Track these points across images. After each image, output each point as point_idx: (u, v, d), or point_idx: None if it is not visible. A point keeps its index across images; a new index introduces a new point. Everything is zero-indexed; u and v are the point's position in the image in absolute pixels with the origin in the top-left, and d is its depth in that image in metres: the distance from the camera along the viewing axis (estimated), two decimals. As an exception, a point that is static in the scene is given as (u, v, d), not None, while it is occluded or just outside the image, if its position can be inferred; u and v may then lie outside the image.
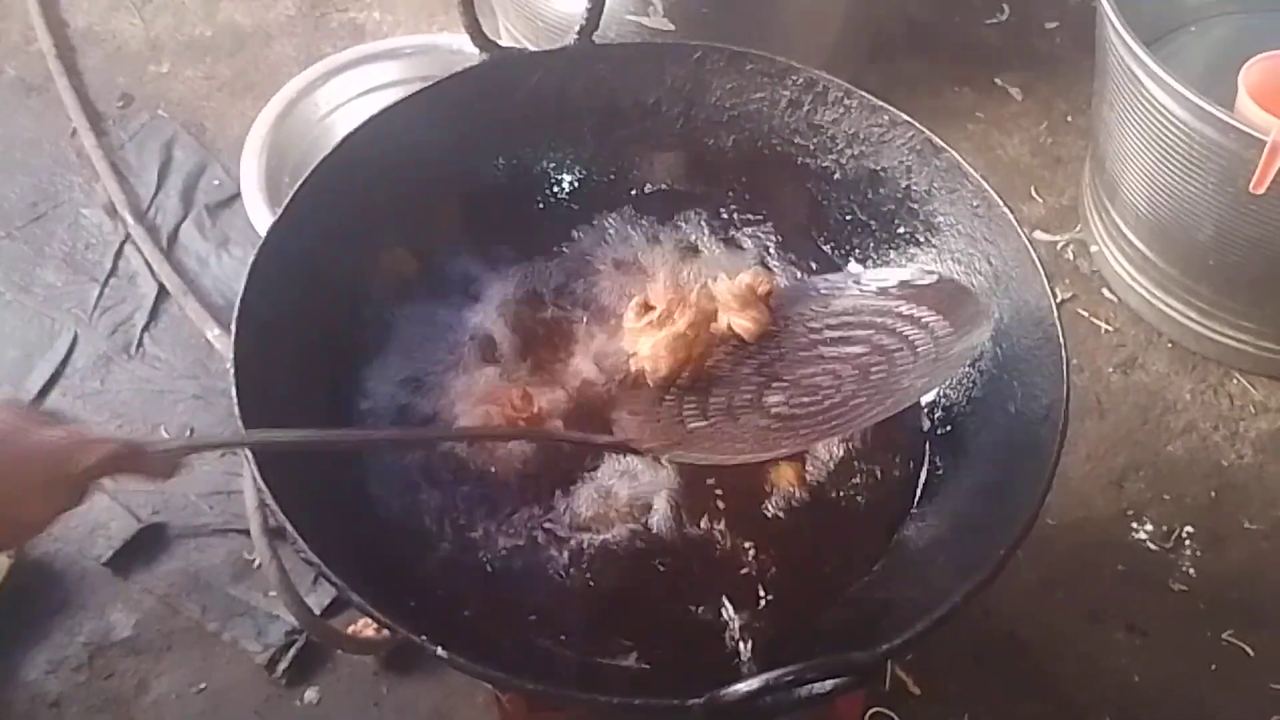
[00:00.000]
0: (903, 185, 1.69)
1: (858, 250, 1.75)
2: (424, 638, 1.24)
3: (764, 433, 1.49)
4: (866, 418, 1.46)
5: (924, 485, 1.58)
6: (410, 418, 1.59)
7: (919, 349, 1.50)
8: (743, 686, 1.13)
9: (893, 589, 1.47)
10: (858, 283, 1.62)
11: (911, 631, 1.24)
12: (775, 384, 1.54)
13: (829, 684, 1.18)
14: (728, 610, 1.45)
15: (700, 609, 1.45)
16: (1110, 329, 2.50)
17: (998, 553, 1.29)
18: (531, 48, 2.38)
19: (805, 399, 1.51)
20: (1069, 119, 2.89)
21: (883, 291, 1.59)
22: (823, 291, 1.63)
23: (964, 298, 1.52)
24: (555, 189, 1.82)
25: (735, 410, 1.52)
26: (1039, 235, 2.63)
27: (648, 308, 1.58)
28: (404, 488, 1.54)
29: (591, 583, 1.47)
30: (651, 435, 1.50)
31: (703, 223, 1.79)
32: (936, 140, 1.64)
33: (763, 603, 1.46)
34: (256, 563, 2.11)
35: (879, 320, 1.56)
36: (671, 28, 2.35)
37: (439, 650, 1.23)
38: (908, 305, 1.55)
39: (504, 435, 1.53)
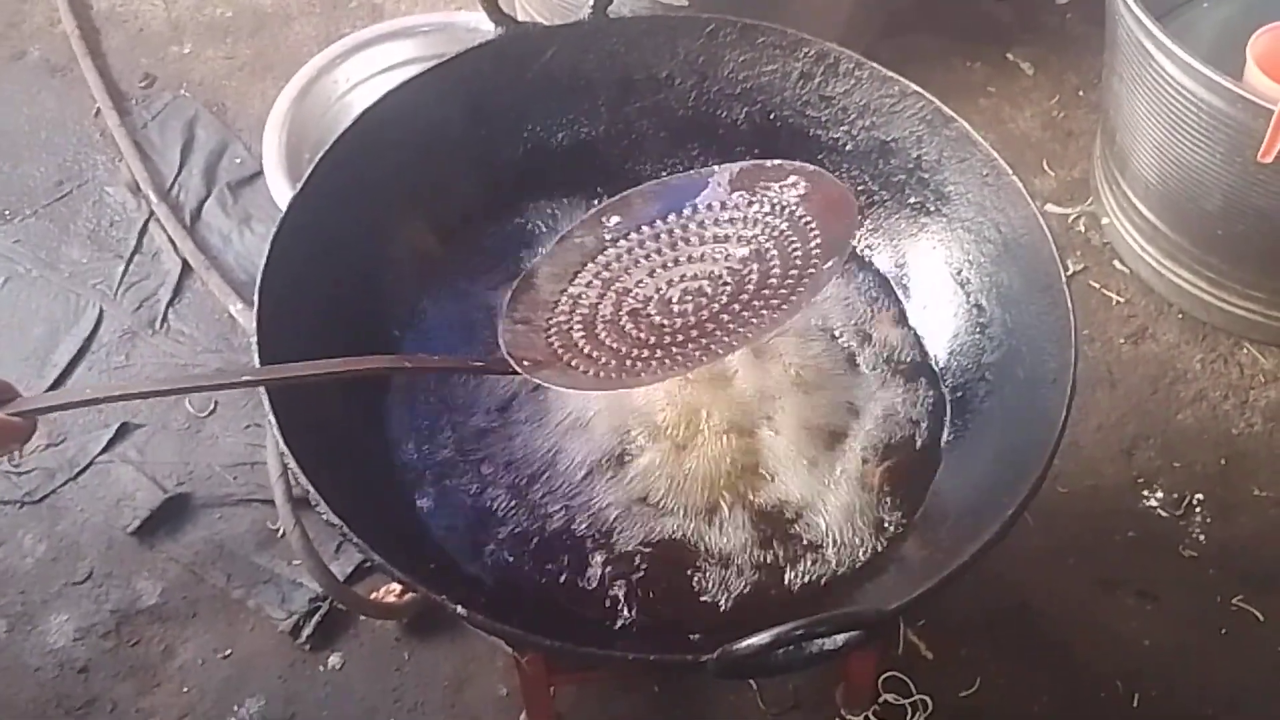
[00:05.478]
0: (913, 155, 1.71)
1: (869, 220, 1.78)
2: (444, 597, 1.27)
3: (640, 349, 1.50)
4: (741, 337, 1.48)
5: (934, 448, 1.60)
6: (431, 393, 1.63)
7: (794, 258, 1.52)
8: (755, 640, 1.15)
9: (903, 549, 1.49)
10: (732, 185, 1.61)
11: (920, 590, 1.26)
12: (663, 288, 1.55)
13: (840, 639, 1.21)
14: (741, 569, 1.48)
15: (711, 569, 1.49)
16: (1121, 300, 2.52)
17: (1006, 513, 1.31)
18: (546, 22, 2.39)
19: (688, 305, 1.52)
20: (1080, 93, 2.90)
21: (763, 192, 1.59)
22: (699, 192, 1.61)
23: (842, 203, 1.54)
24: (570, 162, 1.84)
25: (620, 319, 1.53)
26: (1050, 208, 2.64)
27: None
28: (427, 455, 1.58)
29: (609, 547, 1.50)
30: (529, 350, 1.50)
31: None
32: (946, 110, 1.66)
33: (774, 563, 1.49)
34: (280, 532, 2.14)
35: (763, 221, 1.56)
36: (684, 2, 2.36)
37: (459, 609, 1.26)
38: (788, 204, 1.57)
39: (374, 365, 1.48)
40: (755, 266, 1.53)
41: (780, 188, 1.57)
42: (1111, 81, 2.39)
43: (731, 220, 1.58)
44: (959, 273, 1.68)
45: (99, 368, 2.43)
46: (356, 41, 2.62)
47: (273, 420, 1.35)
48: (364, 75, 2.60)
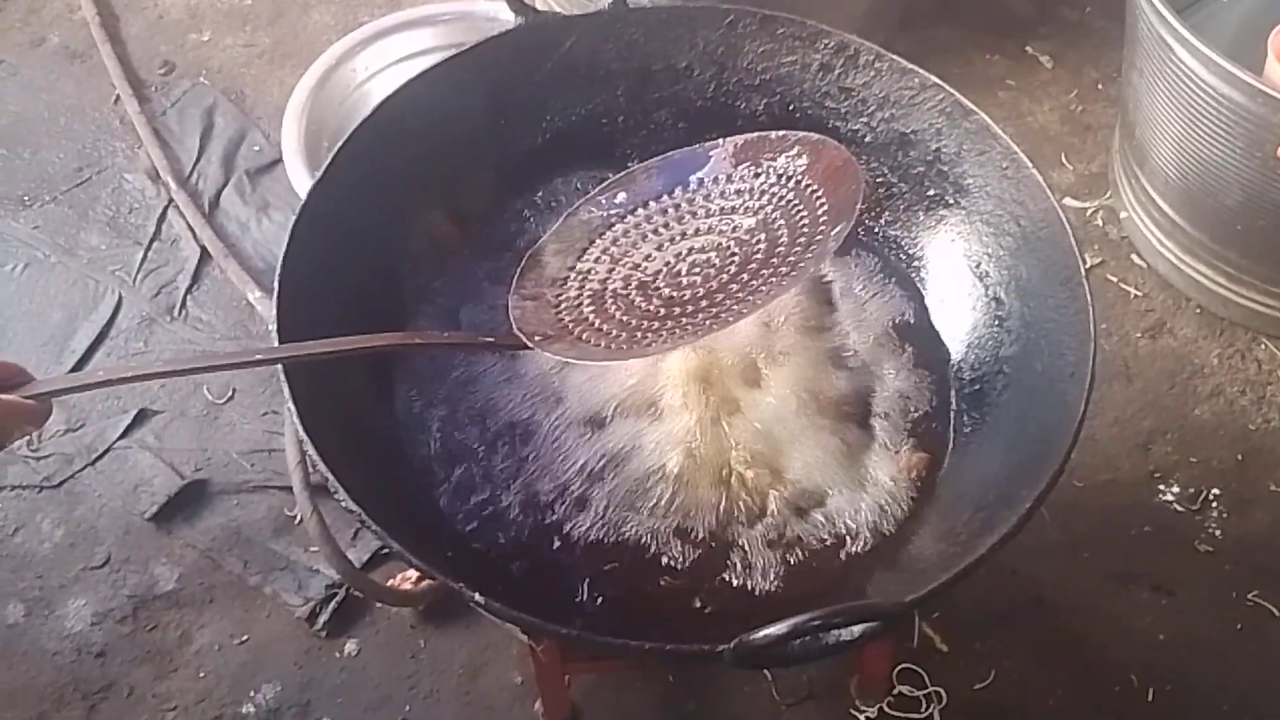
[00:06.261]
0: (932, 148, 1.71)
1: (887, 212, 1.78)
2: (462, 584, 1.27)
3: (650, 320, 1.51)
4: (750, 304, 1.48)
5: (952, 441, 1.60)
6: (449, 380, 1.63)
7: (801, 226, 1.53)
8: (772, 630, 1.15)
9: (920, 542, 1.49)
10: (735, 158, 1.62)
11: (937, 582, 1.27)
12: (671, 261, 1.56)
13: (857, 630, 1.21)
14: (756, 560, 1.48)
15: (727, 558, 1.49)
16: (1139, 294, 2.52)
17: (1023, 506, 1.31)
18: (565, 12, 2.39)
19: (696, 277, 1.53)
20: (1099, 87, 2.89)
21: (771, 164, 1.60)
22: (703, 166, 1.63)
23: (846, 170, 1.54)
24: (588, 152, 1.85)
25: (629, 293, 1.54)
26: (1069, 202, 2.64)
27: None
28: (445, 442, 1.58)
29: (625, 536, 1.50)
30: (540, 325, 1.51)
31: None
32: (966, 103, 1.66)
33: (792, 555, 1.49)
34: (297, 518, 2.15)
35: (769, 192, 1.58)
36: (704, -8, 2.36)
37: (476, 596, 1.26)
38: (792, 174, 1.57)
39: (387, 342, 1.50)
40: (762, 236, 1.54)
41: (785, 158, 1.57)
42: (1131, 75, 2.39)
43: (738, 192, 1.59)
44: (977, 265, 1.68)
45: (117, 354, 2.44)
46: (375, 30, 2.62)
47: (292, 407, 1.36)
48: (383, 64, 2.61)
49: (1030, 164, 1.58)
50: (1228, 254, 2.36)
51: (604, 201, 1.60)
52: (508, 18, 1.76)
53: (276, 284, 1.46)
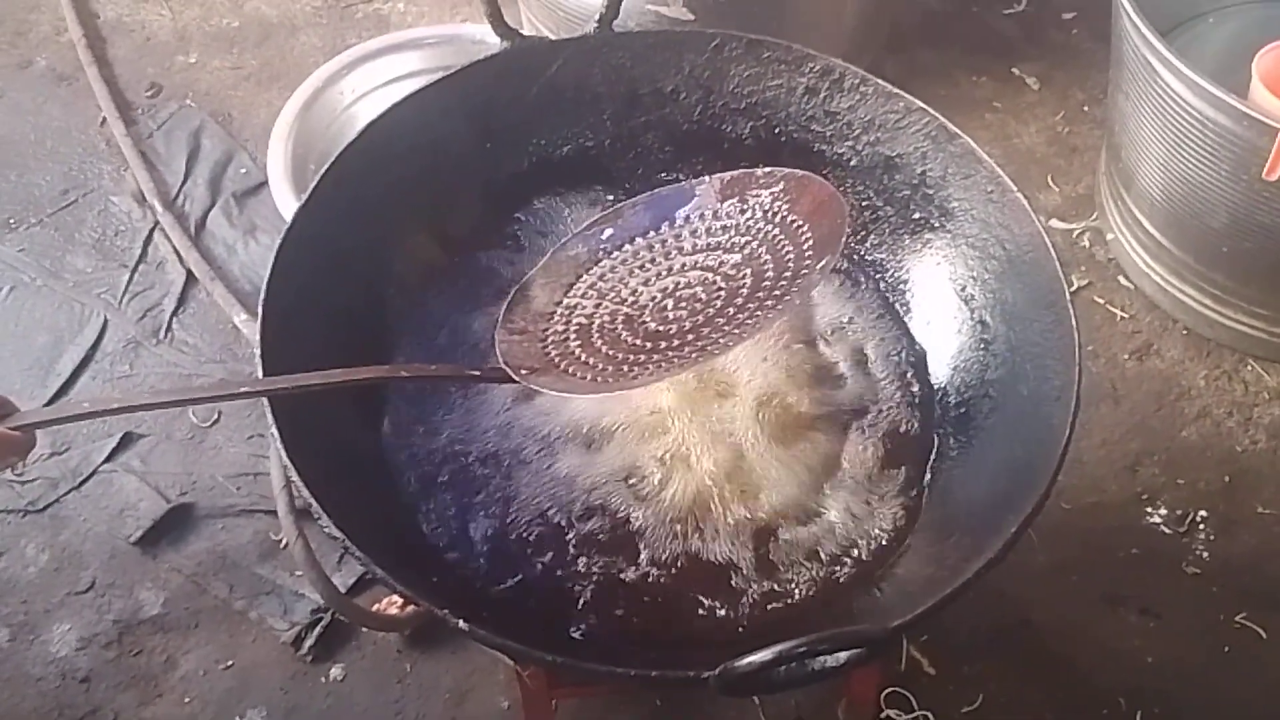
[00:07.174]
0: (918, 171, 1.71)
1: (873, 236, 1.78)
2: (446, 611, 1.26)
3: (636, 354, 1.50)
4: (736, 337, 1.48)
5: (938, 465, 1.60)
6: (434, 406, 1.63)
7: (787, 260, 1.53)
8: (756, 657, 1.15)
9: (906, 566, 1.49)
10: (721, 194, 1.61)
11: (924, 607, 1.26)
12: (658, 296, 1.56)
13: (842, 656, 1.20)
14: (742, 585, 1.48)
15: (713, 584, 1.48)
16: (1125, 316, 2.52)
17: (1009, 530, 1.30)
18: (552, 36, 2.40)
19: (682, 311, 1.53)
20: (1085, 108, 2.90)
21: (755, 198, 1.59)
22: (689, 201, 1.62)
23: (831, 204, 1.53)
24: (574, 175, 1.84)
25: (616, 327, 1.53)
26: (1055, 223, 2.64)
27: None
28: (430, 468, 1.57)
29: (611, 561, 1.50)
30: (526, 359, 1.50)
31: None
32: (951, 126, 1.66)
33: (778, 579, 1.49)
34: (283, 542, 2.15)
35: (754, 228, 1.57)
36: (691, 17, 2.37)
37: (460, 623, 1.25)
38: (778, 209, 1.57)
39: (373, 375, 1.49)
40: (748, 271, 1.54)
41: (769, 194, 1.57)
42: (1116, 97, 2.39)
43: (724, 228, 1.58)
44: (963, 289, 1.68)
45: (103, 377, 2.43)
46: (363, 53, 2.63)
47: (275, 433, 1.35)
48: (370, 87, 2.61)
49: (1015, 188, 1.58)
50: (1214, 276, 2.36)
51: (591, 237, 1.60)
52: (494, 41, 1.76)
53: (261, 308, 1.45)
